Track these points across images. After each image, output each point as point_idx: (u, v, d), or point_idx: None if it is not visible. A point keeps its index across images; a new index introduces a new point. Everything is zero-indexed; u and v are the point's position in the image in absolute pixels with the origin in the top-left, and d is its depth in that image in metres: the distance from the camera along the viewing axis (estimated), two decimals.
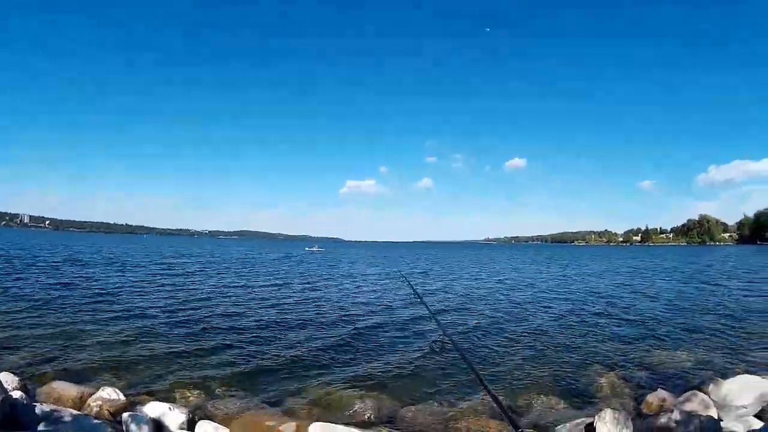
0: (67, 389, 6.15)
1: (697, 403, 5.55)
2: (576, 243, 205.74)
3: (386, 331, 11.18)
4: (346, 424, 5.61)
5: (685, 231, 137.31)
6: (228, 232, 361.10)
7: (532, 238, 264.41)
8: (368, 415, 6.16)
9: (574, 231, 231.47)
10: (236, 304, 14.32)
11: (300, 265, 35.87)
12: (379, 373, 7.84)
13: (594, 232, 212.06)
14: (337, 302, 15.78)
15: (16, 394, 5.40)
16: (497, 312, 14.35)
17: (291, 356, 8.69)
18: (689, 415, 5.11)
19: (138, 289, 16.94)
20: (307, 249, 78.31)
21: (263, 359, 8.47)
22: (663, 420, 5.34)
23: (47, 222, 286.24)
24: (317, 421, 5.38)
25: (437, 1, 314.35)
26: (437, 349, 9.14)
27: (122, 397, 5.92)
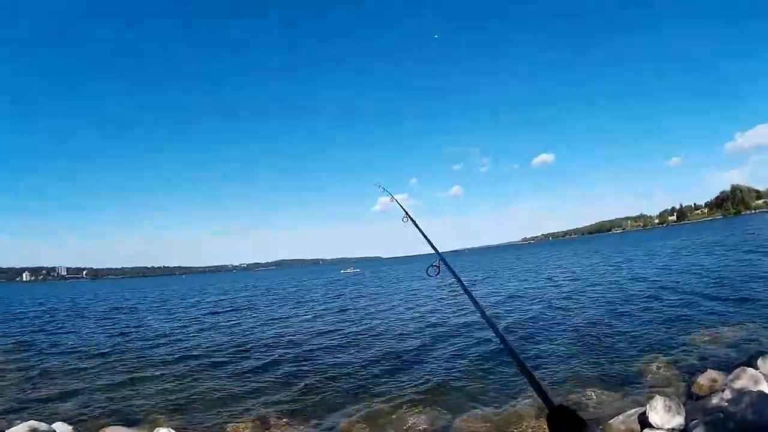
0: None
1: (747, 379, 5.55)
2: (613, 231, 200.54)
3: (432, 342, 11.37)
4: None
5: (719, 203, 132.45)
6: (266, 263, 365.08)
7: (568, 233, 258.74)
8: (422, 429, 6.35)
9: (610, 219, 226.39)
10: (279, 335, 14.50)
11: (334, 288, 36.14)
12: (431, 385, 7.98)
13: (629, 218, 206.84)
14: (377, 320, 15.95)
15: None
16: (542, 310, 14.41)
17: (341, 379, 8.86)
18: (740, 392, 5.15)
19: (184, 330, 17.29)
20: (341, 271, 78.59)
21: (314, 386, 8.61)
22: (714, 401, 5.40)
23: (85, 272, 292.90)
24: None
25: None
26: (485, 353, 9.26)
27: None
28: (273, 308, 23.51)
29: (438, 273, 2.91)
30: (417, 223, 3.73)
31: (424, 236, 3.56)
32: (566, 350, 9.33)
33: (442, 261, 2.92)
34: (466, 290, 2.55)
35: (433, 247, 3.36)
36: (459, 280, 2.67)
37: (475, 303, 2.36)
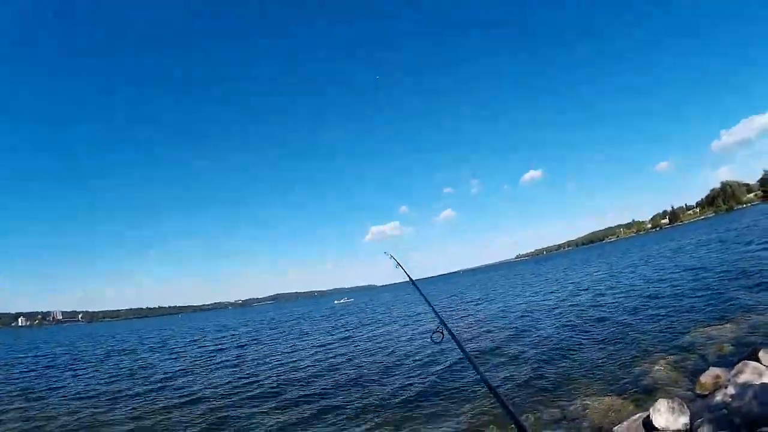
0: None
1: (750, 373, 5.41)
2: (606, 240, 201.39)
3: (416, 367, 11.17)
4: None
5: (710, 201, 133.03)
6: (261, 298, 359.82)
7: (562, 245, 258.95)
8: None
9: (603, 229, 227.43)
10: (278, 370, 14.14)
11: (329, 319, 35.74)
12: (418, 412, 7.81)
13: (621, 226, 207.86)
14: (365, 349, 15.70)
15: None
16: (532, 323, 14.21)
17: (334, 409, 8.74)
18: (743, 387, 5.01)
19: (184, 370, 16.77)
20: (335, 302, 77.67)
21: (310, 417, 8.47)
22: (718, 398, 5.23)
23: (80, 315, 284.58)
24: None
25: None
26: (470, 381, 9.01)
27: None
28: (272, 343, 23.02)
29: (442, 339, 3.08)
30: (414, 281, 4.46)
31: (421, 294, 4.07)
32: (563, 358, 9.24)
33: (444, 326, 3.12)
34: (463, 351, 2.73)
35: (431, 305, 3.75)
36: (461, 348, 2.79)
37: (471, 361, 2.57)
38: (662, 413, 5.08)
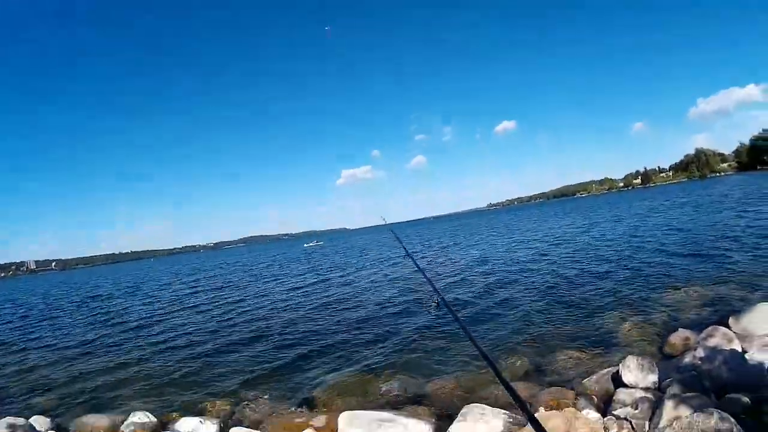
0: (99, 420, 6.24)
1: (719, 338, 5.56)
2: (578, 195, 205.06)
3: (395, 312, 11.27)
4: (377, 407, 5.69)
5: (683, 167, 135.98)
6: (233, 241, 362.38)
7: (533, 197, 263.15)
8: (396, 395, 6.23)
9: (575, 183, 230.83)
10: (250, 312, 14.24)
11: (298, 263, 35.96)
12: (398, 354, 7.92)
13: (594, 182, 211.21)
14: (338, 293, 15.77)
15: None
16: (509, 272, 14.52)
17: (310, 352, 8.77)
18: (713, 351, 5.12)
19: (155, 314, 16.73)
20: (305, 245, 77.39)
21: (285, 360, 8.54)
22: (687, 359, 5.36)
23: (54, 263, 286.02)
24: (346, 410, 5.41)
25: None
26: (444, 323, 9.14)
27: (153, 419, 6.01)
28: (243, 287, 22.94)
29: (439, 308, 3.06)
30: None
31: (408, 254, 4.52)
32: (536, 311, 9.37)
33: (442, 300, 3.03)
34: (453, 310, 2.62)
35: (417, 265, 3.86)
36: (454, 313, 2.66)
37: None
38: (631, 370, 5.19)
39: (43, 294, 39.46)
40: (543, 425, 1.33)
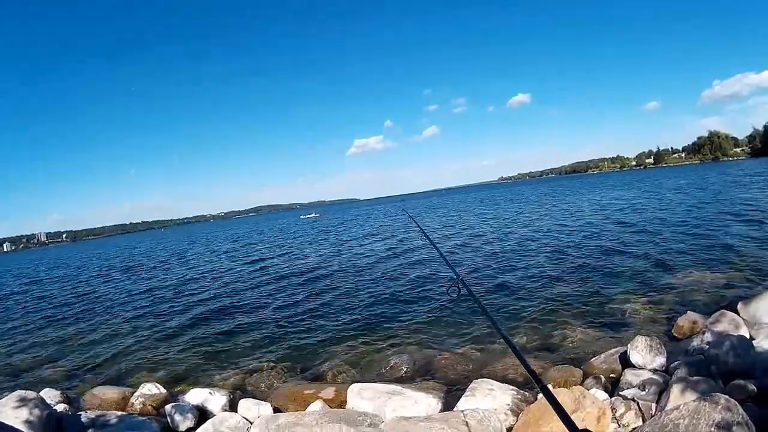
0: (109, 392, 6.31)
1: (727, 323, 5.61)
2: (590, 171, 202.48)
3: (404, 285, 11.44)
4: (386, 381, 5.85)
5: (696, 149, 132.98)
6: (243, 210, 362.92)
7: (545, 172, 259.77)
8: (405, 369, 6.39)
9: (587, 160, 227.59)
10: (253, 285, 14.46)
11: (297, 235, 36.15)
12: (407, 327, 8.09)
13: (606, 159, 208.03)
14: (346, 266, 15.93)
15: (60, 408, 5.62)
16: (521, 250, 14.56)
17: (320, 325, 8.97)
18: (720, 336, 5.18)
19: (166, 286, 17.01)
20: (301, 217, 76.16)
21: (294, 332, 8.75)
22: (695, 342, 5.45)
23: (65, 235, 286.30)
24: (355, 383, 5.53)
25: None
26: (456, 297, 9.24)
27: (163, 390, 6.10)
28: (248, 257, 23.22)
29: (459, 293, 2.74)
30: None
31: (428, 238, 4.04)
32: (547, 289, 9.46)
33: (462, 283, 2.74)
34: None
35: (438, 250, 3.50)
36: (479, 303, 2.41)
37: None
38: (640, 350, 5.28)
39: (52, 265, 39.90)
40: (554, 396, 1.36)
